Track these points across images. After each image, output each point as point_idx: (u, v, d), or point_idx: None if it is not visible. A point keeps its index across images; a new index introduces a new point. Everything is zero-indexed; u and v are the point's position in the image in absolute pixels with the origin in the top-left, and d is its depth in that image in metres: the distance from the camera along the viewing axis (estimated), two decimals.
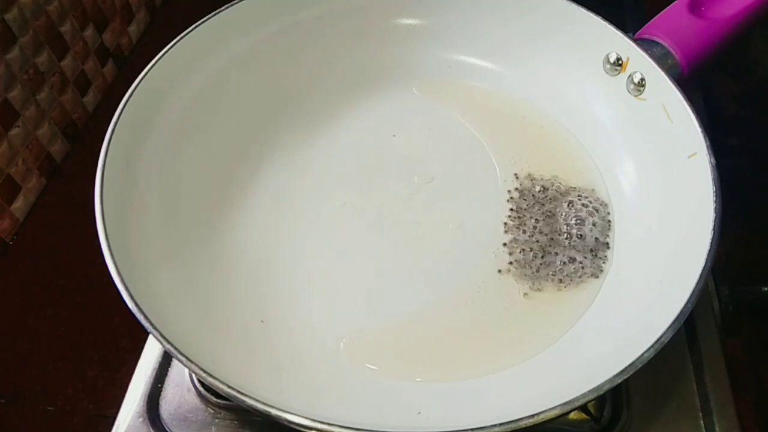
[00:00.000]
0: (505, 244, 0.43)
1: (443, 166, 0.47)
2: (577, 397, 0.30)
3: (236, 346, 0.38)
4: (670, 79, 0.42)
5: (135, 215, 0.39)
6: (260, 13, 0.48)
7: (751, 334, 0.46)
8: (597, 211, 0.44)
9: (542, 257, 0.42)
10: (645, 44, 0.44)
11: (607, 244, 0.43)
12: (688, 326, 0.43)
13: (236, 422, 0.40)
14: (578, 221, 0.44)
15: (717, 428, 0.39)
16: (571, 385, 0.31)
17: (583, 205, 0.45)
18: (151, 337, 0.38)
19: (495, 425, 0.29)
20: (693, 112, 0.40)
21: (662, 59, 0.44)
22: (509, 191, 0.46)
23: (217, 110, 0.47)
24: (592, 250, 0.42)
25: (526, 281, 0.41)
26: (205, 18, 0.46)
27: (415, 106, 0.51)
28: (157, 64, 0.43)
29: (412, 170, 0.47)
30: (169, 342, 0.32)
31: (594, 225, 0.43)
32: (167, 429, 0.40)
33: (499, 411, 0.30)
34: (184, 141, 0.45)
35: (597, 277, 0.41)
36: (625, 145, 0.46)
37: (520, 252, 0.42)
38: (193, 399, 0.41)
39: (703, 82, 0.55)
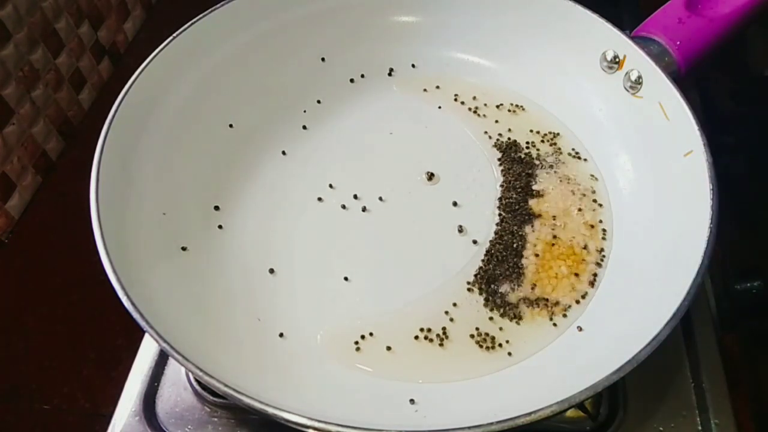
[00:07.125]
0: (503, 242, 0.43)
1: (440, 164, 0.47)
2: (574, 395, 0.30)
3: (233, 344, 0.38)
4: (667, 76, 0.42)
5: (130, 213, 0.39)
6: (256, 10, 0.48)
7: (747, 331, 0.46)
8: (594, 208, 0.44)
9: (540, 255, 0.42)
10: (642, 42, 0.44)
11: (605, 241, 0.43)
12: (685, 323, 0.43)
13: (233, 421, 0.40)
14: (576, 219, 0.44)
15: (713, 425, 0.39)
16: (568, 383, 0.31)
17: (580, 201, 0.45)
18: (147, 336, 0.38)
19: (492, 423, 0.29)
20: (690, 110, 0.40)
21: (659, 57, 0.44)
22: (506, 188, 0.45)
23: (212, 108, 0.47)
24: (588, 248, 0.42)
25: (523, 280, 0.41)
26: (200, 15, 0.46)
27: (411, 104, 0.51)
28: (152, 62, 0.43)
29: (409, 168, 0.47)
30: (165, 340, 0.32)
31: (591, 223, 0.43)
32: (163, 427, 0.40)
33: (497, 409, 0.30)
34: (180, 139, 0.45)
35: (594, 275, 0.41)
36: (622, 143, 0.46)
37: (517, 249, 0.42)
38: (189, 397, 0.41)
39: (700, 80, 0.55)
